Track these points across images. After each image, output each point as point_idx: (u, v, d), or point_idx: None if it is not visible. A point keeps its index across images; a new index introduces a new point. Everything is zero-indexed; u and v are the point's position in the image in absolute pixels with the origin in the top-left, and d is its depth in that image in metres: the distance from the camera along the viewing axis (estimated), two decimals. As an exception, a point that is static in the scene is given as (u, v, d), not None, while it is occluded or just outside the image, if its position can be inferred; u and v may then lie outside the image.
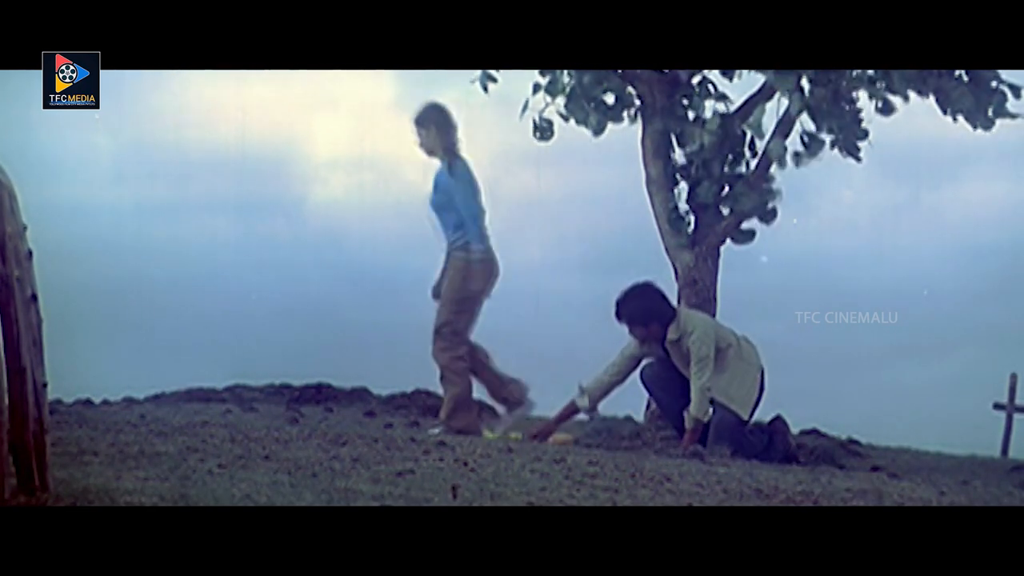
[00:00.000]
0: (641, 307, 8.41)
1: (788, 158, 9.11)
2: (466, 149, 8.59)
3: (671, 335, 8.35)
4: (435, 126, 8.56)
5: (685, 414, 8.27)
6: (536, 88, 9.38)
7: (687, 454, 7.89)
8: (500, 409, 8.79)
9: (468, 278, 8.44)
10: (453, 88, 9.60)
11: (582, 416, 8.91)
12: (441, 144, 8.55)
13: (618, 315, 8.45)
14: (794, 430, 9.22)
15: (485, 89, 9.31)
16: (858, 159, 9.21)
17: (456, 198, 8.46)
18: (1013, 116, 9.09)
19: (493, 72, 9.27)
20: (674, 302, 8.78)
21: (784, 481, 6.71)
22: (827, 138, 9.03)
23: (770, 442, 8.36)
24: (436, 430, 8.42)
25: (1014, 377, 13.43)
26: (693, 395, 8.24)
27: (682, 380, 8.36)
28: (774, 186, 9.30)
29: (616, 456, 7.27)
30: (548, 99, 9.40)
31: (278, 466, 5.90)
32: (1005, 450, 12.79)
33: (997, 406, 13.43)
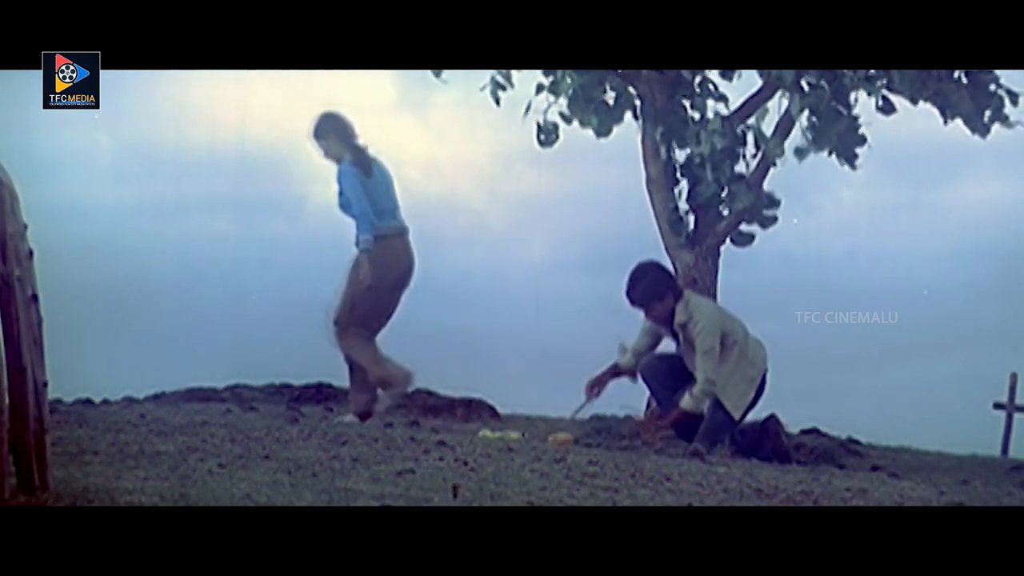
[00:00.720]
0: (651, 283, 8.39)
1: (790, 154, 9.12)
2: (467, 148, 8.73)
3: (679, 317, 8.32)
4: (333, 134, 8.84)
5: (679, 396, 8.24)
6: (539, 88, 9.37)
7: (687, 453, 7.88)
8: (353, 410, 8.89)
9: (356, 269, 8.68)
10: (453, 88, 9.61)
11: (582, 416, 8.92)
12: (344, 148, 8.79)
13: (632, 300, 8.43)
14: (794, 430, 9.22)
15: (497, 101, 9.34)
16: (853, 167, 9.22)
17: (348, 195, 8.71)
18: (1010, 124, 9.09)
19: (503, 81, 9.28)
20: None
21: (784, 481, 6.71)
22: (832, 132, 9.03)
23: (759, 441, 8.35)
24: (382, 405, 8.68)
25: (1014, 377, 13.42)
26: (697, 384, 8.21)
27: (680, 375, 8.34)
28: (774, 194, 9.32)
29: (616, 456, 7.27)
30: (551, 99, 9.40)
31: (278, 466, 5.90)
32: (1005, 450, 12.78)
33: (997, 406, 13.42)
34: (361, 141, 8.83)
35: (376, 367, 8.74)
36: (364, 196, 8.67)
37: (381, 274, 8.66)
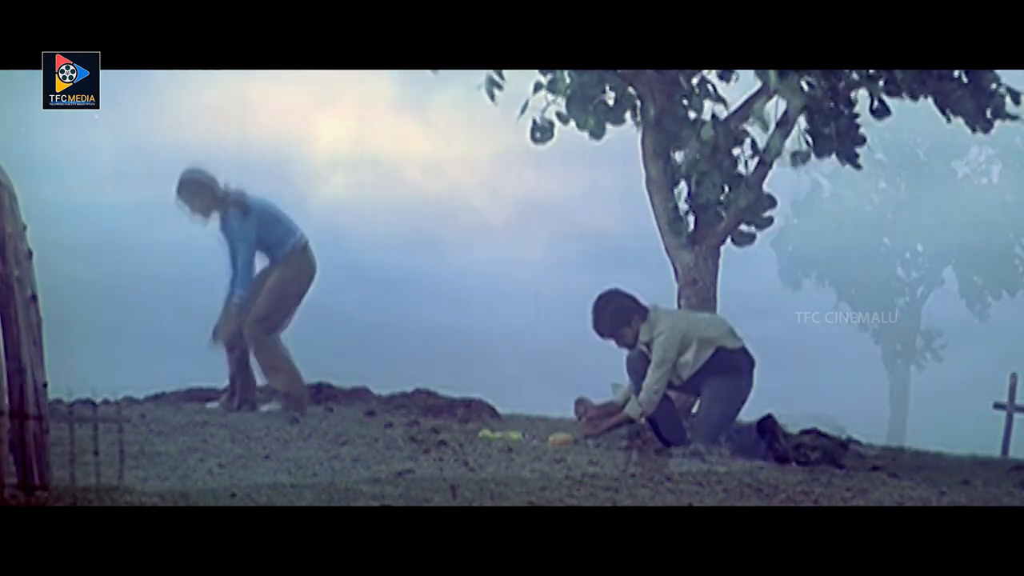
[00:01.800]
0: (616, 310, 8.31)
1: (787, 158, 9.11)
2: (468, 148, 8.74)
3: (643, 336, 8.23)
4: (204, 189, 8.76)
5: (632, 397, 8.19)
6: (538, 87, 9.36)
7: (686, 453, 7.87)
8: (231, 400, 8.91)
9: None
10: (453, 87, 9.61)
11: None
12: (212, 201, 8.75)
13: (600, 332, 8.34)
14: (794, 430, 9.20)
15: (492, 97, 9.31)
16: (857, 166, 9.20)
17: (239, 247, 8.68)
18: (1013, 117, 9.07)
19: (498, 79, 9.26)
20: (646, 302, 8.68)
21: (784, 481, 6.71)
22: (830, 134, 9.02)
23: (755, 442, 8.32)
24: (267, 407, 8.63)
25: (1014, 377, 13.42)
26: (643, 389, 8.13)
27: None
28: (772, 195, 9.31)
29: (616, 456, 7.27)
30: (550, 97, 9.40)
31: (278, 466, 5.90)
32: (1005, 450, 12.78)
33: (997, 406, 13.42)
34: (225, 186, 8.77)
35: (276, 374, 8.74)
36: (252, 247, 8.68)
37: (296, 284, 8.71)
